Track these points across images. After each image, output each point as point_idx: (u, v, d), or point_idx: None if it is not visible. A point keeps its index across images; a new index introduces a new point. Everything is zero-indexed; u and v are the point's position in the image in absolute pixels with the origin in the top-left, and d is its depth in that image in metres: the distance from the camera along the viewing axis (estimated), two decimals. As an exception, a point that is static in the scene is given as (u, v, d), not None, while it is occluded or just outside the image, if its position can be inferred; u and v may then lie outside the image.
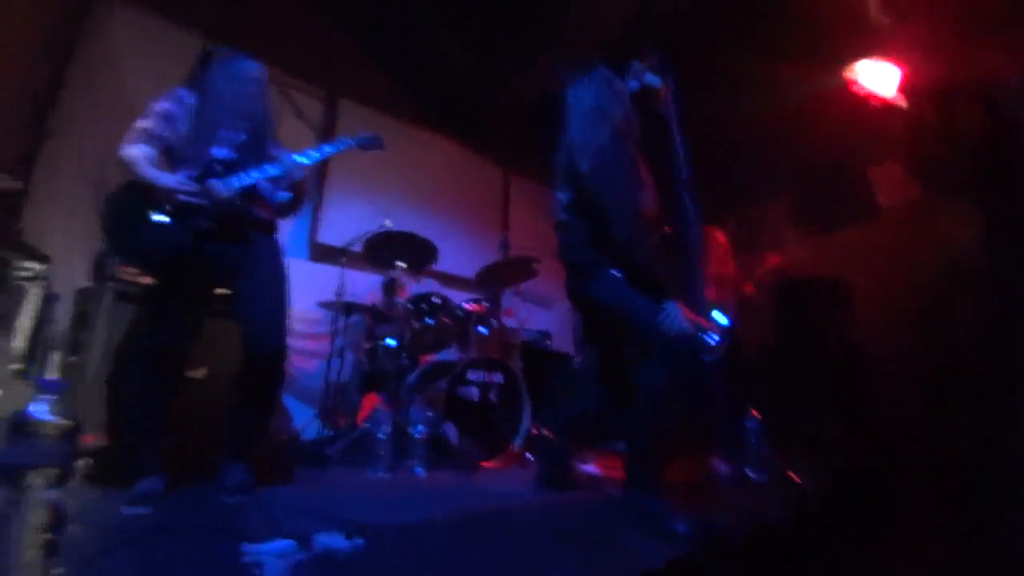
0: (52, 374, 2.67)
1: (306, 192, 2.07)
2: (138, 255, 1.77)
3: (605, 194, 1.83)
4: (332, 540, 1.27)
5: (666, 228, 2.23)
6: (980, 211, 3.00)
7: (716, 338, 3.05)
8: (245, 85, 1.98)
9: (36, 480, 0.91)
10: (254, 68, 2.03)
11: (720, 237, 3.40)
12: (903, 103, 3.61)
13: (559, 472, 2.22)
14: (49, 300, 2.67)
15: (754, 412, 2.72)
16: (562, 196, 2.04)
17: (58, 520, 0.93)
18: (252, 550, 1.10)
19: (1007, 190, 2.92)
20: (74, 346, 2.40)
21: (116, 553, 1.04)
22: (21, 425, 0.93)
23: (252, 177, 1.83)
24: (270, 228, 2.01)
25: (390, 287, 3.42)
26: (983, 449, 2.51)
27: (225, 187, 1.78)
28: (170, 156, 1.86)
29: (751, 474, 2.58)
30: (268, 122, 2.06)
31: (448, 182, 4.87)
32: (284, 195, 1.97)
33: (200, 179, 1.79)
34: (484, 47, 4.28)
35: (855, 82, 3.49)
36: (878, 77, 3.56)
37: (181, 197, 1.74)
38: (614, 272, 1.89)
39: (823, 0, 3.18)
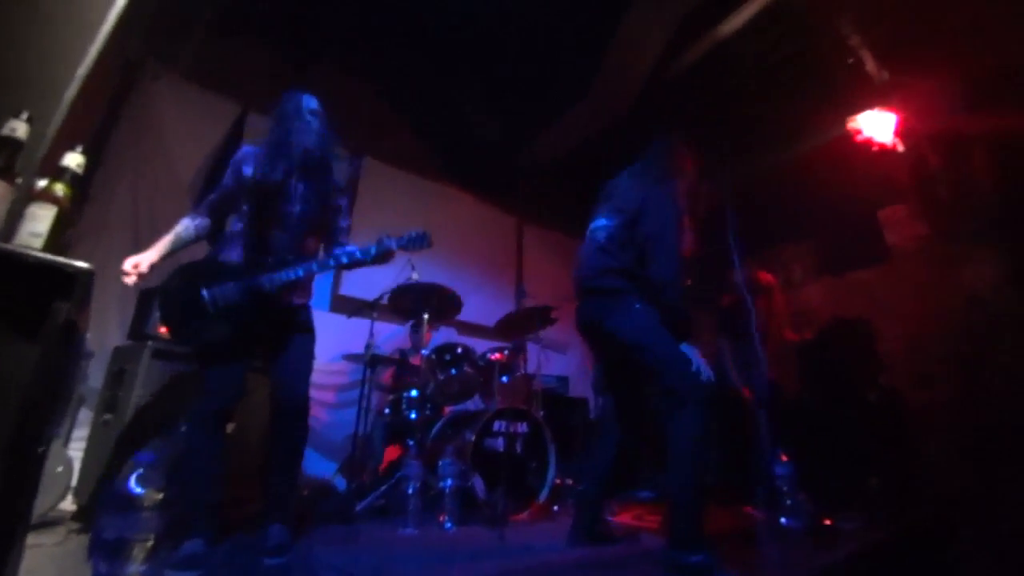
0: (83, 431, 2.71)
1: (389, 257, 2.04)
2: (188, 336, 1.80)
3: (654, 230, 1.92)
4: (386, 603, 1.26)
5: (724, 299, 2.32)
6: (1007, 255, 3.05)
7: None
8: (301, 122, 2.00)
9: (134, 552, 0.93)
10: (308, 102, 2.05)
11: (769, 278, 3.45)
12: (901, 148, 3.76)
13: (593, 525, 2.19)
14: (84, 357, 2.73)
15: (784, 457, 2.68)
16: (606, 222, 2.10)
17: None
18: (315, 616, 1.10)
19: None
20: (109, 404, 2.44)
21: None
22: (120, 499, 0.96)
23: (295, 273, 1.86)
24: (306, 309, 2.07)
25: (413, 337, 3.46)
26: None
27: (271, 283, 1.83)
28: (231, 232, 1.93)
29: (785, 522, 2.53)
30: (326, 164, 2.05)
31: (465, 232, 5.00)
32: (358, 254, 1.98)
33: (251, 267, 1.86)
34: (509, 112, 4.56)
35: (858, 131, 3.67)
36: (877, 126, 3.73)
37: (230, 300, 1.80)
38: (638, 305, 1.94)
39: (829, 59, 3.43)
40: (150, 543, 0.98)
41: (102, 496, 1.24)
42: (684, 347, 1.87)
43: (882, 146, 3.76)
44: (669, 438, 1.80)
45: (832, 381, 3.22)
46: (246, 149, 2.04)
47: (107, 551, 0.94)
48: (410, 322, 3.46)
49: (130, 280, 1.80)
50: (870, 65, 3.43)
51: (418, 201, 4.74)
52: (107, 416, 2.40)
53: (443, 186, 5.01)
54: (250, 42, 3.93)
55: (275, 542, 1.76)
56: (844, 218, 4.27)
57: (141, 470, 1.07)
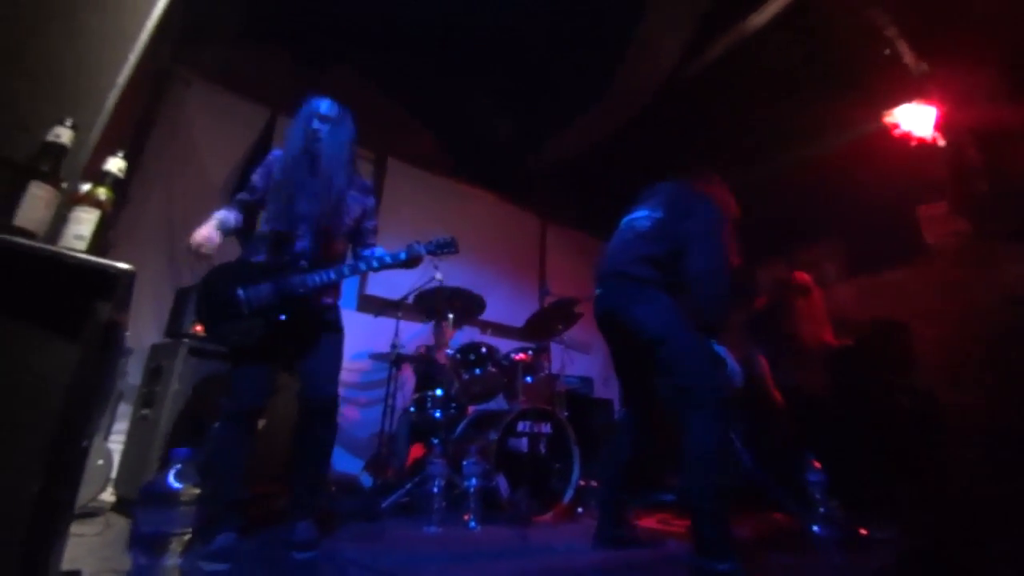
0: (122, 425, 2.81)
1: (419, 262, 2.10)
2: (222, 335, 1.83)
3: (700, 229, 1.90)
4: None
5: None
6: None
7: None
8: (310, 127, 2.00)
9: (172, 546, 0.97)
10: (319, 107, 2.04)
11: (806, 278, 3.37)
12: (942, 143, 3.61)
13: (617, 528, 2.17)
14: (123, 354, 2.84)
15: (816, 464, 2.61)
16: (650, 213, 2.07)
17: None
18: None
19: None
20: (147, 399, 2.53)
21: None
22: (159, 494, 1.00)
23: (327, 277, 1.90)
24: (335, 309, 2.10)
25: (437, 337, 3.49)
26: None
27: (303, 286, 1.87)
28: (260, 233, 1.97)
29: (817, 530, 2.46)
30: (340, 167, 2.02)
31: (488, 232, 5.03)
32: (388, 258, 2.03)
33: (283, 269, 1.89)
34: (527, 113, 4.58)
35: (895, 126, 3.54)
36: (916, 119, 3.59)
37: (264, 301, 1.83)
38: (666, 298, 1.90)
39: (861, 52, 3.33)
40: (188, 537, 1.01)
41: (141, 491, 1.29)
42: (717, 348, 1.83)
43: (921, 140, 3.62)
44: (686, 441, 1.74)
45: (865, 385, 3.12)
46: (276, 152, 2.09)
47: (146, 544, 0.97)
48: (433, 321, 3.49)
49: (207, 250, 1.84)
50: (908, 57, 3.31)
51: (441, 201, 4.77)
52: (145, 411, 2.49)
53: (466, 186, 5.04)
54: (276, 48, 4.03)
55: (303, 537, 1.80)
56: (876, 216, 4.12)
57: (179, 465, 1.11)
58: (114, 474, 2.48)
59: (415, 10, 3.77)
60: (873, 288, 4.13)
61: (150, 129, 3.44)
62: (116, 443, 2.69)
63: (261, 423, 2.36)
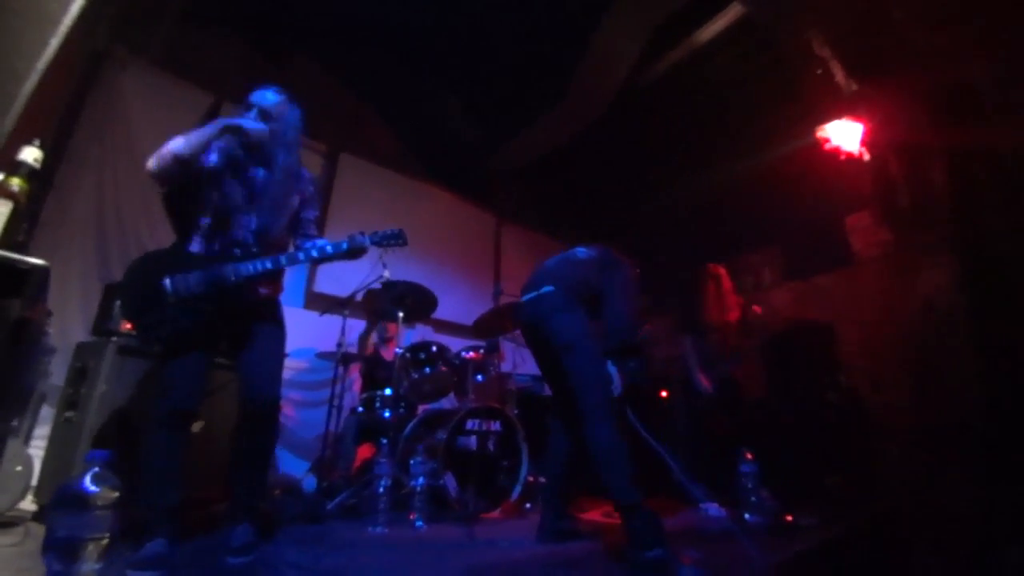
0: (44, 430, 2.63)
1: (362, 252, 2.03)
2: (148, 328, 1.73)
3: (619, 281, 2.23)
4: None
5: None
6: (959, 264, 3.21)
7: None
8: (261, 117, 1.93)
9: (87, 552, 0.92)
10: (270, 100, 1.96)
11: (718, 268, 3.54)
12: (867, 157, 3.90)
13: (559, 522, 2.23)
14: (46, 353, 2.66)
15: (748, 455, 2.76)
16: (590, 251, 2.39)
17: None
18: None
19: (978, 242, 3.15)
20: (71, 402, 2.37)
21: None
22: (74, 498, 0.94)
23: (263, 266, 1.82)
24: (273, 301, 2.01)
25: (384, 336, 3.45)
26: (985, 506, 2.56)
27: (236, 275, 1.78)
28: (197, 222, 1.86)
29: (748, 518, 2.60)
30: (274, 155, 1.95)
31: (443, 230, 5.00)
32: (329, 248, 1.96)
33: (215, 257, 1.81)
34: (487, 114, 4.62)
35: (826, 140, 3.80)
36: (845, 135, 3.86)
37: (193, 291, 1.74)
38: (582, 315, 2.14)
39: (799, 69, 3.57)
40: (104, 542, 0.96)
41: (55, 494, 1.22)
42: (610, 366, 2.06)
43: (849, 155, 3.89)
44: (589, 446, 1.93)
45: (794, 381, 3.33)
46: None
47: (60, 550, 0.92)
48: (383, 321, 3.46)
49: None
50: (838, 75, 3.56)
51: (397, 198, 4.72)
52: (69, 414, 2.34)
53: (422, 184, 5.00)
54: (226, 32, 3.88)
55: (240, 542, 1.74)
56: (810, 224, 4.41)
57: (96, 468, 1.06)
58: (35, 481, 2.31)
59: (378, 5, 3.72)
60: (805, 293, 4.41)
61: (81, 115, 3.23)
62: (37, 448, 2.51)
63: (198, 425, 2.27)
